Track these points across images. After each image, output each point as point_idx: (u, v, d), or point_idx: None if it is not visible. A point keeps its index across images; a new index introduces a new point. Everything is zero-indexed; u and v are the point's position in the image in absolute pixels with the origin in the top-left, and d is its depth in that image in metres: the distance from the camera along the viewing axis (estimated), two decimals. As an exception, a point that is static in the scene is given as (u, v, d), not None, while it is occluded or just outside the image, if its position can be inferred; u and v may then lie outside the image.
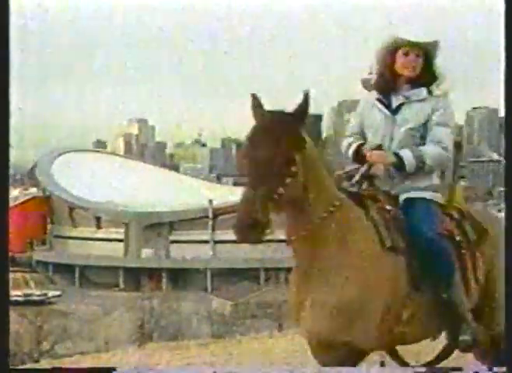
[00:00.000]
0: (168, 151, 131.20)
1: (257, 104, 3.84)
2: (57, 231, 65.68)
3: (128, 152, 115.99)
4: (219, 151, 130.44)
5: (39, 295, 52.86)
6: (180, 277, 59.02)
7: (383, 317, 4.00)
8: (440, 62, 4.44)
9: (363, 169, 4.33)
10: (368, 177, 4.34)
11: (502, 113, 4.53)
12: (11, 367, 4.05)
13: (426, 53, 4.38)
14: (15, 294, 46.69)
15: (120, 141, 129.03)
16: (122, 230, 61.91)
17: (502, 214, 4.70)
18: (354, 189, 4.28)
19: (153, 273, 59.52)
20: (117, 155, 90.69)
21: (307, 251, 3.97)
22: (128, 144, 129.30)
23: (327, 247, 3.96)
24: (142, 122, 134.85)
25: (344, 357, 4.04)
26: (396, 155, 4.29)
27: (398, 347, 4.58)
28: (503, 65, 4.23)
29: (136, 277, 60.07)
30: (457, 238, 4.38)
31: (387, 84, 4.44)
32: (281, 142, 3.72)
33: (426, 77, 4.40)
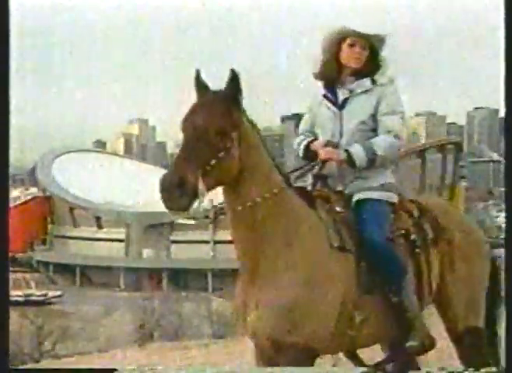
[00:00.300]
0: (169, 151, 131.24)
1: (199, 81, 3.86)
2: (58, 231, 65.68)
3: (129, 152, 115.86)
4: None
5: (39, 295, 52.86)
6: (181, 277, 59.02)
7: (336, 319, 3.95)
8: (386, 53, 4.36)
9: (315, 168, 4.27)
10: (321, 177, 4.28)
11: (502, 113, 4.51)
12: (11, 367, 4.05)
13: (371, 46, 4.31)
14: (16, 294, 46.69)
15: (120, 141, 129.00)
16: (123, 230, 61.91)
17: (463, 213, 4.67)
18: (305, 188, 4.22)
19: (154, 274, 59.53)
20: (118, 155, 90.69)
21: (248, 241, 3.92)
22: (128, 144, 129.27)
23: (271, 241, 3.90)
24: (143, 122, 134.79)
25: (296, 359, 3.95)
26: (346, 151, 4.22)
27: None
28: (502, 65, 4.22)
29: (137, 277, 60.08)
30: (413, 236, 4.30)
31: (331, 74, 4.34)
32: (214, 115, 3.74)
33: (370, 68, 4.32)
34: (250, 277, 3.96)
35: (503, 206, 4.47)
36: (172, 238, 61.30)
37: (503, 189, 4.64)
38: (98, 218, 63.52)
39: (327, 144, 4.29)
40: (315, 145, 4.33)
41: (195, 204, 3.73)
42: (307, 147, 4.38)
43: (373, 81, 4.32)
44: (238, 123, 3.81)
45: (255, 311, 3.95)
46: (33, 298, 51.18)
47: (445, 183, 68.03)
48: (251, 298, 3.97)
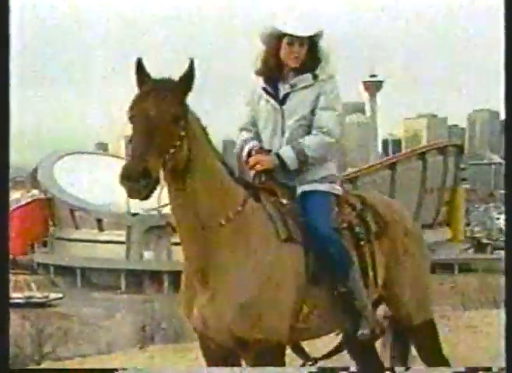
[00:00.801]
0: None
1: (141, 70, 3.74)
2: (59, 234, 65.68)
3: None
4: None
5: (40, 298, 52.84)
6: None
7: (292, 311, 3.94)
8: (324, 46, 4.29)
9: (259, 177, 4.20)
10: (265, 170, 4.19)
11: (502, 115, 4.49)
12: (11, 368, 4.06)
13: (310, 41, 4.23)
14: (17, 296, 46.67)
15: (121, 143, 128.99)
16: (124, 232, 61.90)
17: (404, 208, 4.70)
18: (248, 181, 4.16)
19: (155, 276, 59.51)
20: (119, 157, 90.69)
21: (203, 247, 3.84)
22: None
23: (225, 245, 3.85)
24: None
25: (265, 355, 3.93)
26: (277, 154, 4.17)
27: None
28: (502, 66, 4.20)
29: (138, 279, 60.05)
30: (357, 229, 4.30)
31: (271, 71, 4.27)
32: (169, 103, 3.64)
33: (311, 63, 4.25)
34: (201, 274, 3.89)
35: (503, 209, 4.46)
36: (173, 240, 61.30)
37: (503, 191, 4.63)
38: (99, 220, 63.51)
39: (259, 151, 4.21)
40: (251, 164, 4.22)
41: (156, 194, 3.67)
42: (249, 153, 4.27)
43: (315, 77, 4.24)
44: (186, 112, 3.72)
45: (211, 305, 3.89)
46: (34, 300, 51.17)
47: (446, 186, 67.99)
48: (203, 294, 3.91)
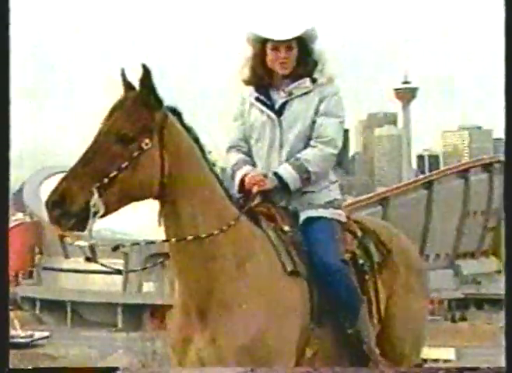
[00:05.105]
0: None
1: (124, 80, 3.70)
2: (47, 263, 65.90)
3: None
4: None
5: (24, 337, 52.80)
6: (187, 315, 58.92)
7: (295, 354, 3.91)
8: (317, 47, 4.22)
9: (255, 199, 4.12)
10: (262, 191, 4.10)
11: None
12: (11, 367, 4.12)
13: (299, 42, 4.15)
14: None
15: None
16: (121, 261, 62.04)
17: (402, 234, 4.69)
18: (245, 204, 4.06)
19: (156, 311, 59.52)
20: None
21: (196, 274, 3.83)
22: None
23: (223, 273, 3.82)
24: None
25: None
26: (276, 174, 4.08)
27: None
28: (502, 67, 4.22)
29: (137, 314, 60.08)
30: (361, 261, 4.24)
31: (261, 79, 4.19)
32: (118, 119, 3.60)
33: (305, 67, 4.17)
34: (199, 312, 3.88)
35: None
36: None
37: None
38: (92, 247, 63.62)
39: (256, 174, 4.12)
40: (247, 184, 4.13)
41: (90, 225, 3.71)
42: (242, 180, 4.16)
43: (314, 81, 4.16)
44: (153, 127, 3.63)
45: (210, 348, 3.86)
46: (17, 340, 51.02)
47: (492, 208, 67.68)
48: (201, 334, 3.88)
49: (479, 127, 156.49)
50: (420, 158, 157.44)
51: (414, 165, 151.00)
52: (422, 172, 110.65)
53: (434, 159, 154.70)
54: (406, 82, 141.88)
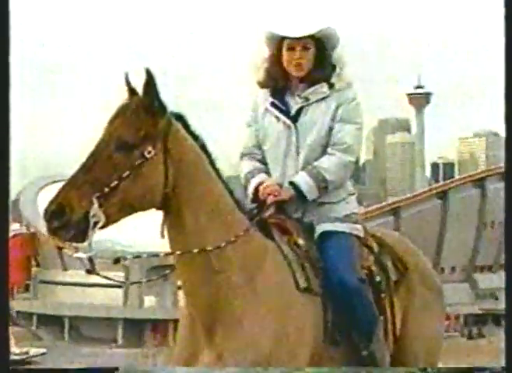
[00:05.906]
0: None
1: (128, 85, 3.69)
2: (44, 276, 65.80)
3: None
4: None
5: (19, 354, 52.55)
6: (190, 330, 58.98)
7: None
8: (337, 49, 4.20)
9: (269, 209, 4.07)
10: (277, 203, 4.07)
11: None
12: (11, 368, 4.16)
13: (316, 44, 4.13)
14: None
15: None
16: (121, 274, 62.11)
17: (419, 250, 4.65)
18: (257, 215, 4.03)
19: (158, 326, 59.49)
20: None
21: (204, 288, 3.82)
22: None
23: (231, 288, 3.79)
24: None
25: None
26: (292, 183, 4.07)
27: None
28: (502, 67, 4.19)
29: (138, 330, 60.02)
30: (378, 278, 4.22)
31: (277, 82, 4.18)
32: (119, 127, 3.60)
33: (322, 70, 4.16)
34: (206, 327, 3.85)
35: None
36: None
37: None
38: (91, 260, 63.77)
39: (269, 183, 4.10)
40: (262, 193, 4.10)
41: (90, 236, 3.75)
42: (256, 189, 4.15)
43: (331, 86, 4.17)
44: (156, 134, 3.62)
45: (216, 364, 3.83)
46: (12, 357, 51.06)
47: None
48: (208, 349, 3.86)
49: (496, 134, 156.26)
50: (434, 166, 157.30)
51: (428, 173, 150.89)
52: (436, 181, 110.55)
53: (449, 167, 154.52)
54: (419, 87, 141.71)
